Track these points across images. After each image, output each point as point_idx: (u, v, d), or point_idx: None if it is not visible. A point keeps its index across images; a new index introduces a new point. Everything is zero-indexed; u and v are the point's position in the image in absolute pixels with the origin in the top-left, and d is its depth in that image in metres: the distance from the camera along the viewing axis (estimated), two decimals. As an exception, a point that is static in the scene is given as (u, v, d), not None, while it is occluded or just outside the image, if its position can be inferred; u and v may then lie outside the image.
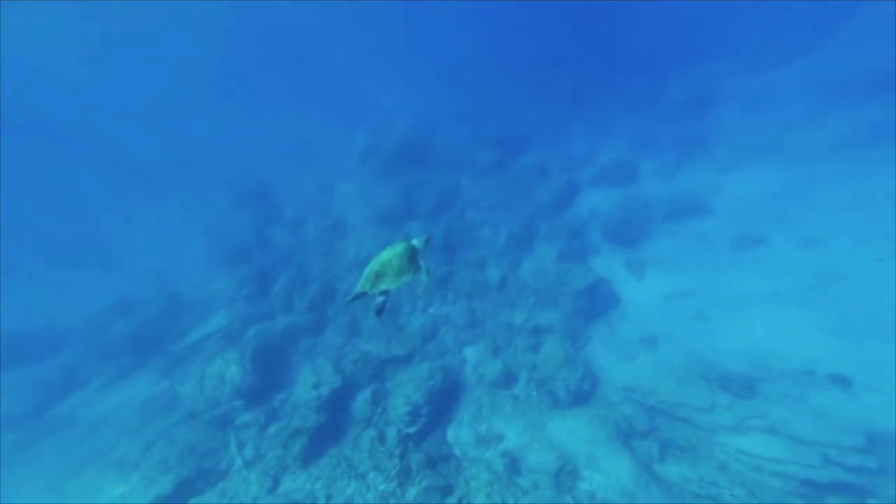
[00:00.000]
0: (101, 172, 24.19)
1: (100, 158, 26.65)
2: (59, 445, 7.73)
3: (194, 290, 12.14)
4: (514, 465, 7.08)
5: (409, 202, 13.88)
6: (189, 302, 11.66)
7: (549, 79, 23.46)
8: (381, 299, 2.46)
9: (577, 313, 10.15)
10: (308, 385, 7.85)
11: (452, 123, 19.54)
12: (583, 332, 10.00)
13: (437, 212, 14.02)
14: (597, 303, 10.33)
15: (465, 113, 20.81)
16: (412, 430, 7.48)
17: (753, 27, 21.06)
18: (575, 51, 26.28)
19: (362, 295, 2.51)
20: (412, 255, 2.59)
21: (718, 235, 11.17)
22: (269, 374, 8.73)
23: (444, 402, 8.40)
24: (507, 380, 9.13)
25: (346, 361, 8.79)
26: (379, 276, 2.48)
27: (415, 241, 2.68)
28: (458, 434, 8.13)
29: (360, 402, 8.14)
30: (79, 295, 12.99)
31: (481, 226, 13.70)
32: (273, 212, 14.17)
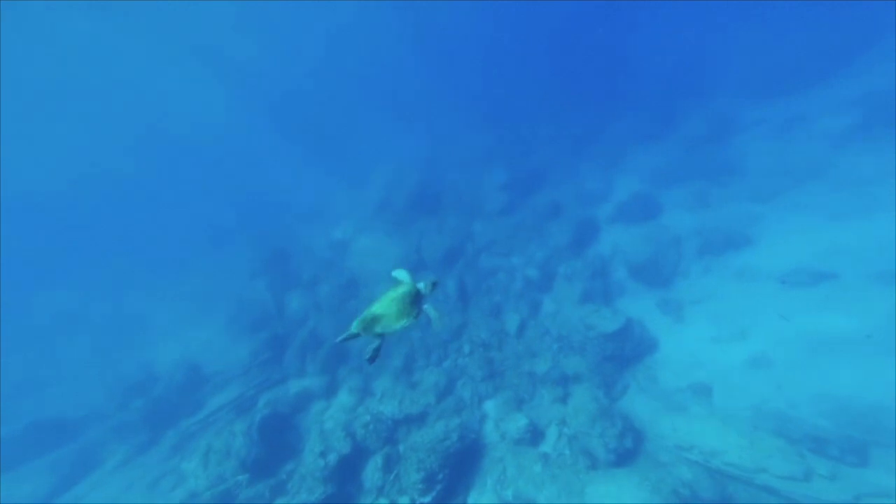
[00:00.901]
0: (130, 245, 26.04)
1: (132, 229, 28.75)
2: None
3: (215, 362, 12.22)
4: (547, 539, 6.05)
5: (419, 253, 14.02)
6: (208, 374, 11.68)
7: (555, 117, 24.05)
8: (375, 343, 2.36)
9: (607, 359, 9.28)
10: (315, 453, 7.33)
11: (462, 170, 20.16)
12: (617, 381, 9.06)
13: (449, 260, 14.00)
14: (630, 347, 9.41)
15: (474, 159, 21.44)
16: (426, 499, 6.66)
17: (767, 53, 20.62)
18: (580, 87, 26.95)
19: (355, 336, 2.39)
20: (415, 299, 2.49)
21: (765, 270, 10.02)
22: (278, 443, 8.28)
23: (462, 465, 7.57)
24: (534, 436, 8.25)
25: (356, 424, 8.27)
26: (376, 319, 2.38)
27: (420, 285, 2.60)
28: (481, 500, 7.16)
29: (371, 468, 7.47)
30: (108, 376, 13.34)
31: (495, 271, 13.47)
32: (291, 275, 14.64)
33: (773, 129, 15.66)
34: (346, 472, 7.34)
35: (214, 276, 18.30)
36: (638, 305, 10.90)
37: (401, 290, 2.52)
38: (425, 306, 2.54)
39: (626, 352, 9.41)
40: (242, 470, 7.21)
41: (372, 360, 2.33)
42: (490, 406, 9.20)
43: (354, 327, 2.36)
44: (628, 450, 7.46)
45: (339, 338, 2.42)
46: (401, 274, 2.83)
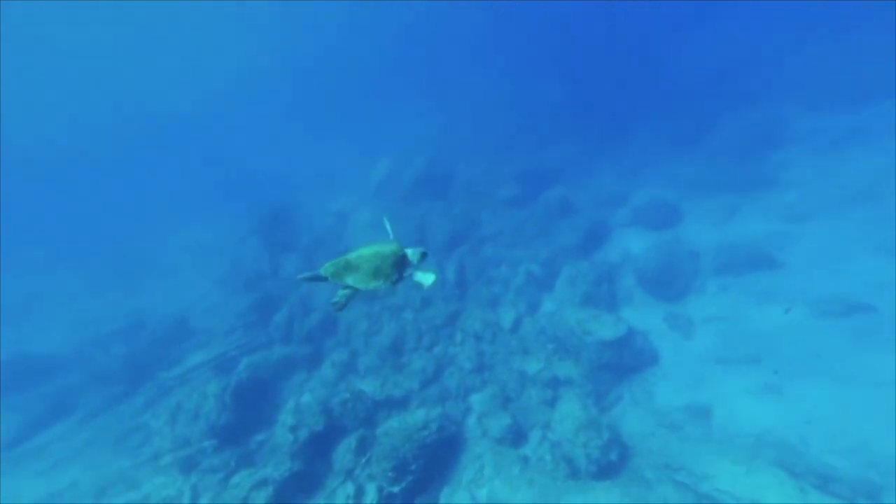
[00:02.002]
0: (141, 189, 25.81)
1: (142, 175, 28.51)
2: (15, 484, 7.11)
3: (204, 317, 11.87)
4: (517, 549, 5.62)
5: (421, 233, 13.34)
6: (195, 329, 11.34)
7: (576, 114, 22.73)
8: (343, 293, 2.14)
9: (603, 368, 8.66)
10: (286, 426, 6.91)
11: (474, 156, 19.28)
12: (610, 391, 8.49)
13: (452, 244, 13.33)
14: (628, 358, 8.80)
15: (487, 146, 20.49)
16: (396, 488, 6.25)
17: (831, 58, 18.67)
18: (606, 85, 25.41)
19: (321, 279, 2.16)
20: (397, 263, 2.22)
21: (792, 295, 9.13)
22: (253, 410, 7.90)
23: (438, 457, 7.13)
24: (516, 437, 7.79)
25: (335, 401, 7.83)
26: (349, 267, 2.14)
27: (409, 251, 2.34)
28: (454, 498, 6.77)
29: (344, 449, 7.06)
30: (100, 317, 13.11)
31: (498, 262, 12.77)
32: (289, 238, 14.09)
33: (824, 143, 14.21)
34: (317, 449, 6.94)
35: (219, 230, 17.79)
36: (644, 316, 10.19)
37: (384, 248, 2.27)
38: (415, 272, 2.28)
39: (623, 362, 8.79)
40: (210, 435, 6.84)
41: (338, 307, 2.12)
42: (475, 400, 8.72)
43: (324, 269, 2.14)
44: (612, 463, 6.94)
45: (304, 274, 2.20)
46: (391, 235, 2.56)
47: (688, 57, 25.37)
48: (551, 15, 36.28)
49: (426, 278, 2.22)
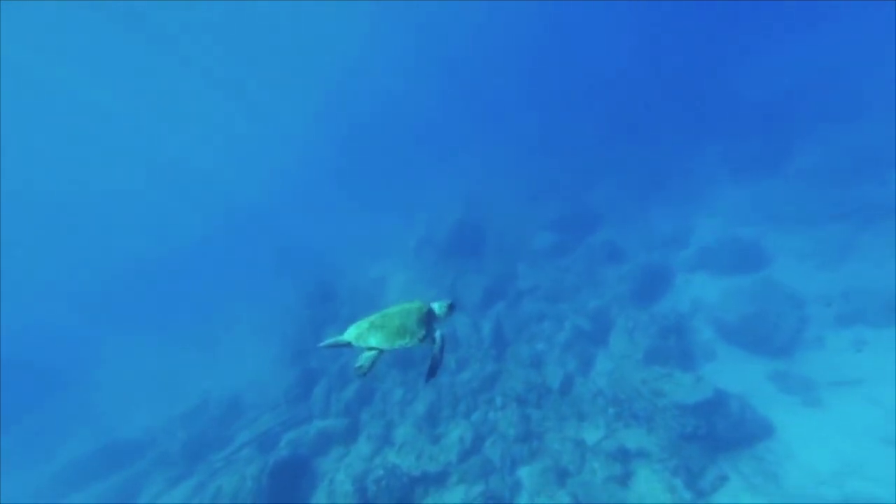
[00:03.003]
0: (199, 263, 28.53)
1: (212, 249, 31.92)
2: None
3: (257, 393, 12.35)
4: None
5: (454, 293, 13.23)
6: (247, 406, 11.77)
7: (619, 150, 21.75)
8: (368, 355, 2.04)
9: (688, 438, 7.21)
10: (317, 510, 6.50)
11: (508, 207, 19.26)
12: (706, 469, 6.90)
13: (487, 302, 12.93)
14: (724, 428, 7.24)
15: (521, 194, 20.33)
16: (431, 592, 5.34)
17: None
18: (650, 118, 23.92)
19: (345, 345, 2.11)
20: (424, 319, 2.15)
21: None
22: (290, 491, 7.62)
23: (481, 548, 6.10)
24: None
25: (369, 479, 7.32)
26: (373, 329, 2.08)
27: (435, 305, 2.26)
28: None
29: (377, 538, 6.35)
30: (171, 399, 14.24)
31: (540, 318, 12.02)
32: (332, 311, 14.74)
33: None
34: (350, 537, 6.34)
35: (274, 307, 19.20)
36: (736, 376, 8.55)
37: (409, 305, 2.22)
38: (437, 334, 2.18)
39: (718, 432, 7.20)
40: (246, 520, 6.62)
41: (362, 372, 1.99)
42: (525, 474, 7.66)
43: (347, 334, 2.09)
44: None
45: (326, 342, 2.15)
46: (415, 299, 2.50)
47: (748, 74, 23.46)
48: (589, 46, 37.11)
49: (437, 342, 2.14)
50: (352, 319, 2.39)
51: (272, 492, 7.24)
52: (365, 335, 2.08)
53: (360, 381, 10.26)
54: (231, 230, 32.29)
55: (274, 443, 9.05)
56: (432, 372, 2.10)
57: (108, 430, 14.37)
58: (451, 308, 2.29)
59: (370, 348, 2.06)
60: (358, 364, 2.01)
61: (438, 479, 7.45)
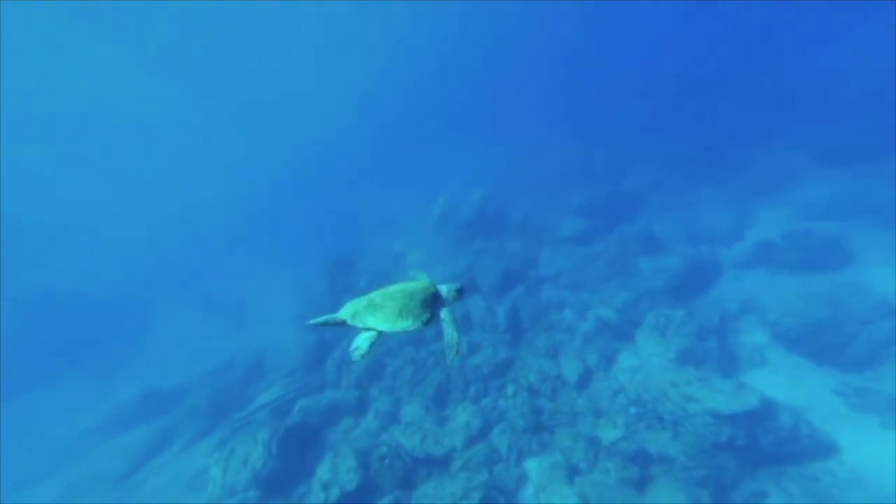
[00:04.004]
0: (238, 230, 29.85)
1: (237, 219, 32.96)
2: None
3: (278, 356, 12.69)
4: None
5: (471, 273, 12.67)
6: (269, 368, 12.13)
7: (666, 131, 19.75)
8: (366, 336, 1.81)
9: (722, 448, 6.51)
10: (320, 483, 6.49)
11: (535, 189, 18.19)
12: (740, 483, 6.19)
13: (505, 286, 12.31)
14: (769, 442, 6.45)
15: (550, 177, 19.08)
16: (424, 581, 5.20)
17: None
18: (714, 98, 21.14)
19: (340, 323, 1.90)
20: (429, 300, 1.94)
21: None
22: (300, 459, 7.74)
23: (479, 540, 5.88)
24: None
25: (373, 456, 7.24)
26: (372, 308, 1.87)
27: (442, 287, 2.07)
28: None
29: (376, 516, 6.30)
30: (203, 355, 15.06)
31: (560, 307, 11.33)
32: (350, 280, 14.71)
33: None
34: (350, 512, 6.32)
35: (306, 272, 19.47)
36: (792, 386, 7.60)
37: (413, 284, 2.01)
38: (442, 315, 1.96)
39: (761, 446, 6.43)
40: (255, 484, 6.76)
41: (360, 354, 1.78)
42: (532, 466, 7.30)
43: (342, 312, 1.91)
44: None
45: (317, 319, 1.93)
46: (421, 276, 2.30)
47: (848, 53, 20.06)
48: (636, 16, 33.43)
49: (450, 328, 1.90)
50: (368, 290, 2.05)
51: (281, 458, 7.35)
52: (362, 314, 1.86)
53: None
54: (267, 208, 33.00)
55: (288, 408, 9.21)
56: (454, 352, 1.86)
57: (151, 377, 15.54)
58: (461, 292, 2.08)
59: (368, 329, 1.84)
60: (354, 346, 1.78)
61: (442, 463, 7.26)
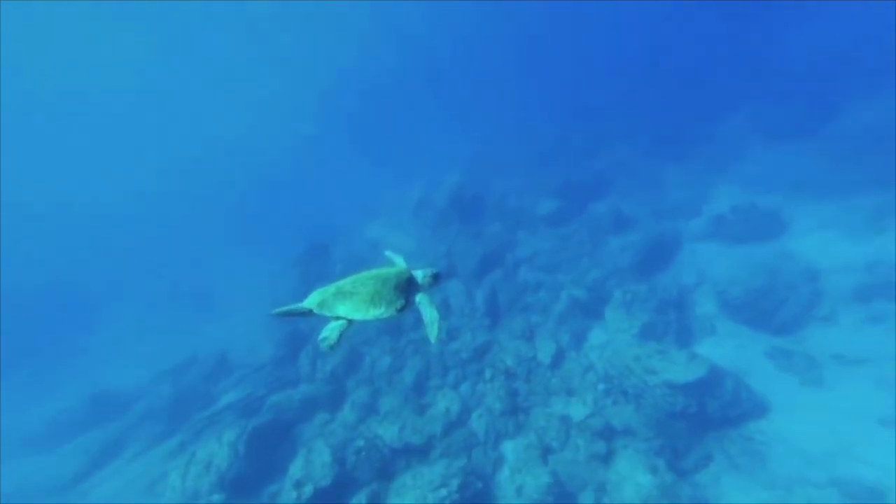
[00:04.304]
0: (193, 216, 27.77)
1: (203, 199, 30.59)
2: None
3: (244, 353, 11.92)
4: None
5: (450, 258, 12.39)
6: (234, 365, 11.36)
7: (631, 112, 20.05)
8: (335, 325, 1.68)
9: (676, 417, 6.77)
10: (292, 480, 6.10)
11: (511, 172, 18.10)
12: (691, 449, 6.57)
13: (483, 269, 12.12)
14: (716, 408, 6.78)
15: (525, 159, 19.03)
16: (405, 573, 5.01)
17: None
18: (676, 80, 21.67)
19: (305, 312, 1.76)
20: (403, 286, 1.83)
21: None
22: (270, 457, 7.26)
23: (459, 526, 5.75)
24: (560, 500, 6.17)
25: (349, 449, 6.91)
26: (341, 295, 1.74)
27: (418, 273, 1.97)
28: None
29: (353, 509, 6.00)
30: (160, 353, 13.91)
31: (536, 288, 11.28)
32: (325, 269, 14.00)
33: None
34: (324, 508, 5.98)
35: (270, 261, 18.38)
36: (735, 353, 8.01)
37: (386, 270, 1.91)
38: (418, 299, 1.86)
39: (708, 412, 6.75)
40: (219, 488, 6.24)
41: (328, 344, 1.64)
42: (509, 448, 7.26)
43: (309, 300, 1.76)
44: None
45: (279, 309, 1.80)
46: (396, 258, 2.25)
47: (797, 34, 20.68)
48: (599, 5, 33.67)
49: (429, 311, 1.80)
50: (343, 278, 1.81)
51: (249, 458, 6.85)
52: (331, 303, 1.74)
53: (347, 347, 9.70)
54: (234, 190, 30.68)
55: (257, 406, 8.65)
56: (435, 330, 1.75)
57: (101, 377, 14.17)
58: (437, 277, 2.00)
59: (337, 318, 1.72)
60: (322, 335, 1.67)
61: (421, 452, 7.05)
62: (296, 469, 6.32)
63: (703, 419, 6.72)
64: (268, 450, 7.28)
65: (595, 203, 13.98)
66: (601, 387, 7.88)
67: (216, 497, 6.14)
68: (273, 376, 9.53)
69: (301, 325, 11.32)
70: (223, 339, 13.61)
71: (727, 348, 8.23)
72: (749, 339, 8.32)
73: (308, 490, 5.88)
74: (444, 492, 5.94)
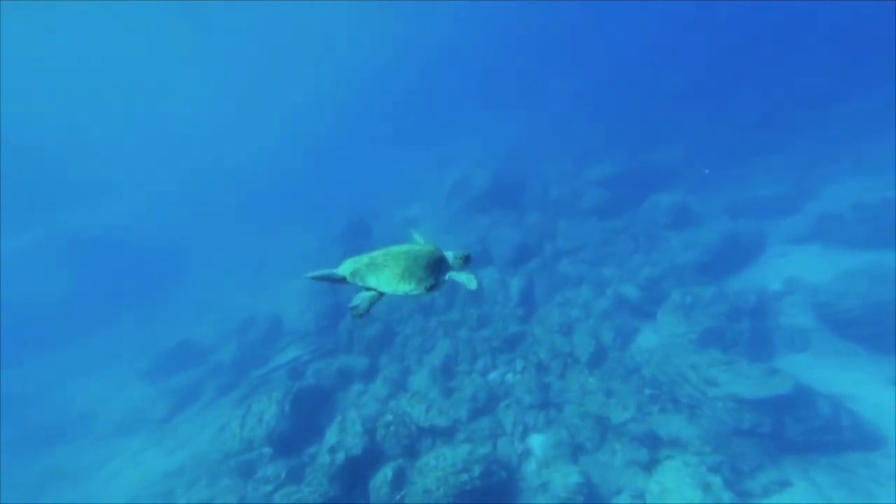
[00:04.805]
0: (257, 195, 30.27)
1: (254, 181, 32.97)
2: (151, 456, 8.71)
3: (294, 318, 13.00)
4: None
5: (483, 244, 12.11)
6: (287, 329, 12.48)
7: (717, 93, 17.70)
8: (367, 294, 1.74)
9: (743, 434, 6.03)
10: (327, 446, 6.66)
11: (558, 160, 17.06)
12: (760, 470, 5.70)
13: (520, 259, 11.74)
14: (801, 431, 5.85)
15: (575, 148, 17.76)
16: (423, 547, 5.32)
17: None
18: (770, 54, 18.90)
19: (338, 280, 1.82)
20: (434, 265, 1.83)
21: None
22: (311, 420, 7.99)
23: (478, 511, 5.92)
24: (591, 502, 6.02)
25: (379, 422, 7.33)
26: (373, 267, 1.78)
27: (449, 254, 1.97)
28: (491, 571, 5.49)
29: (381, 480, 6.44)
30: (231, 313, 15.72)
31: (578, 282, 10.72)
32: (365, 246, 14.46)
33: None
34: (355, 475, 6.51)
35: (325, 236, 19.47)
36: (837, 374, 6.88)
37: (418, 247, 1.91)
38: (450, 274, 1.90)
39: (789, 434, 5.91)
40: (268, 442, 7.05)
41: (358, 313, 1.69)
42: (536, 442, 7.20)
43: (342, 268, 1.84)
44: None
45: (314, 273, 1.86)
46: (421, 239, 2.20)
47: None
48: None
49: (469, 280, 1.86)
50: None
51: (293, 418, 7.59)
52: (363, 273, 1.76)
53: (382, 322, 10.10)
54: (295, 171, 32.65)
55: (302, 370, 9.46)
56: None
57: (185, 328, 16.51)
58: (467, 260, 1.97)
59: (368, 288, 1.75)
60: (353, 303, 1.70)
61: (446, 434, 7.27)
62: (331, 435, 6.87)
63: (780, 441, 5.89)
64: (310, 412, 8.00)
65: (655, 196, 12.57)
66: (647, 392, 7.37)
67: (266, 450, 6.96)
68: (316, 344, 10.31)
69: (342, 298, 11.98)
70: (277, 304, 14.96)
71: (827, 369, 7.03)
72: (863, 360, 7.02)
73: (340, 457, 6.39)
74: (465, 476, 6.10)
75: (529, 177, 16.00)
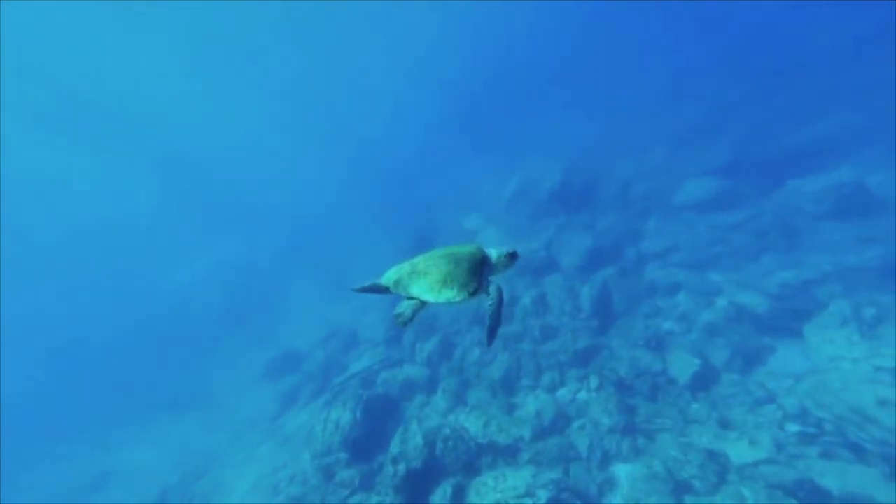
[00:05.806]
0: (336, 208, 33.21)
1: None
2: (268, 448, 10.11)
3: (369, 328, 13.93)
4: None
5: (548, 250, 11.32)
6: (362, 339, 13.43)
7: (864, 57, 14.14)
8: (410, 303, 1.75)
9: None
10: (391, 456, 6.83)
11: (641, 154, 15.27)
12: None
13: (592, 265, 10.68)
14: None
15: (663, 138, 15.70)
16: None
17: None
18: None
19: (382, 289, 1.85)
20: (477, 268, 1.77)
21: None
22: (381, 427, 8.33)
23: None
24: None
25: (439, 435, 7.26)
26: (415, 275, 1.78)
27: (492, 252, 1.87)
28: None
29: (439, 496, 6.32)
30: (326, 319, 17.60)
31: (672, 290, 9.36)
32: (426, 258, 14.84)
33: None
34: (416, 487, 6.50)
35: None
36: None
37: (460, 249, 1.86)
38: (491, 289, 1.75)
39: None
40: (344, 447, 7.56)
41: (402, 321, 1.71)
42: (622, 473, 6.28)
43: (386, 277, 1.85)
44: None
45: (360, 284, 1.91)
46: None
47: None
48: None
49: (494, 294, 1.72)
50: None
51: (364, 426, 8.01)
52: (405, 282, 1.76)
53: (441, 334, 10.12)
54: (378, 189, 35.68)
55: (373, 380, 9.99)
56: (491, 333, 1.66)
57: (287, 339, 19.07)
58: (512, 257, 1.85)
59: (410, 297, 1.74)
60: (397, 311, 1.70)
61: (508, 453, 6.81)
62: (394, 445, 7.02)
63: None
64: (379, 420, 8.36)
65: (796, 180, 10.11)
66: (793, 428, 5.87)
67: (343, 455, 7.46)
68: (385, 354, 10.83)
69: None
70: (356, 315, 16.27)
71: None
72: None
73: (402, 468, 6.47)
74: (528, 501, 5.60)
75: (603, 175, 14.54)
